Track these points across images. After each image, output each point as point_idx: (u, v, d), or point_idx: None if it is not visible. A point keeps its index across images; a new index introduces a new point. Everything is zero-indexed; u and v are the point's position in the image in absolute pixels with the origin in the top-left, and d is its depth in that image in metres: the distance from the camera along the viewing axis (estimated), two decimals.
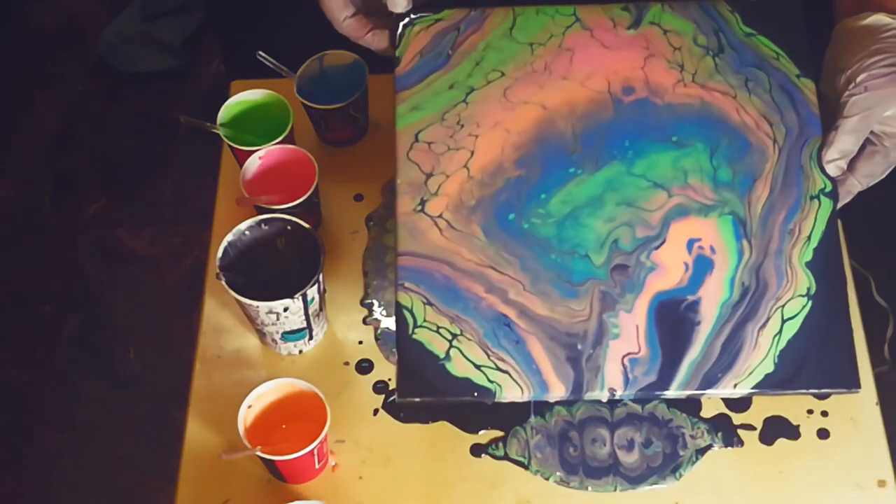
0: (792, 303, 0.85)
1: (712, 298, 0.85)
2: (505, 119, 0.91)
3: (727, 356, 0.84)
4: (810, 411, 0.97)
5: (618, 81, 0.92)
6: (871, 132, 0.87)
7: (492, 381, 0.83)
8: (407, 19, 0.94)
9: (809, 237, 0.87)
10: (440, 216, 0.88)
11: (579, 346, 0.84)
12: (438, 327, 0.85)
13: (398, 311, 0.85)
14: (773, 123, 0.90)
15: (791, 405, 0.97)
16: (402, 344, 0.85)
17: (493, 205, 0.88)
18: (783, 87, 0.91)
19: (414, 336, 0.85)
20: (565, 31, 0.94)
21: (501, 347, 0.84)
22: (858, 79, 0.86)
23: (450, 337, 0.85)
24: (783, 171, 0.88)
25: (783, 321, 0.85)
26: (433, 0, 0.94)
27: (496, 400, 0.84)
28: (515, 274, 0.86)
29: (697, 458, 0.95)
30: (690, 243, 0.87)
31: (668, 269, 0.86)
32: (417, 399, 0.84)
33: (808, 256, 0.86)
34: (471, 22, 0.94)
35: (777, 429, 0.96)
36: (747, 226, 0.87)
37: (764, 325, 0.85)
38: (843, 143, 0.87)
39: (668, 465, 0.95)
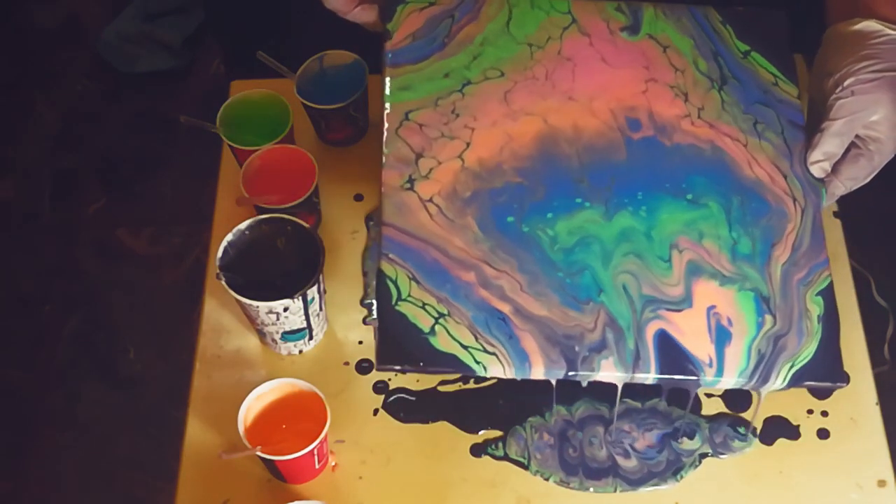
0: (806, 351, 0.84)
1: (729, 368, 0.83)
2: (505, 122, 0.90)
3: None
4: (810, 411, 0.97)
5: (622, 110, 0.91)
6: (857, 136, 0.88)
7: (478, 362, 0.82)
8: None
9: (829, 274, 0.86)
10: (430, 200, 0.87)
11: (577, 349, 0.83)
12: (424, 304, 0.83)
13: (380, 279, 0.84)
14: (786, 175, 0.89)
15: (791, 405, 0.97)
16: (384, 313, 0.83)
17: (491, 203, 0.87)
18: (793, 121, 0.91)
19: (397, 308, 0.83)
20: (562, 33, 0.94)
21: (492, 335, 0.82)
22: (846, 83, 0.86)
23: (436, 315, 0.83)
24: (809, 231, 0.87)
25: (792, 366, 0.83)
26: None
27: (478, 375, 0.82)
28: (512, 273, 0.85)
29: (699, 461, 0.95)
30: (709, 311, 0.84)
31: (684, 331, 0.84)
32: (397, 367, 0.82)
33: (823, 285, 0.86)
34: (465, 10, 0.94)
35: (777, 429, 0.96)
36: (770, 301, 0.85)
37: (774, 380, 0.83)
38: (828, 145, 0.87)
39: (670, 467, 0.94)
